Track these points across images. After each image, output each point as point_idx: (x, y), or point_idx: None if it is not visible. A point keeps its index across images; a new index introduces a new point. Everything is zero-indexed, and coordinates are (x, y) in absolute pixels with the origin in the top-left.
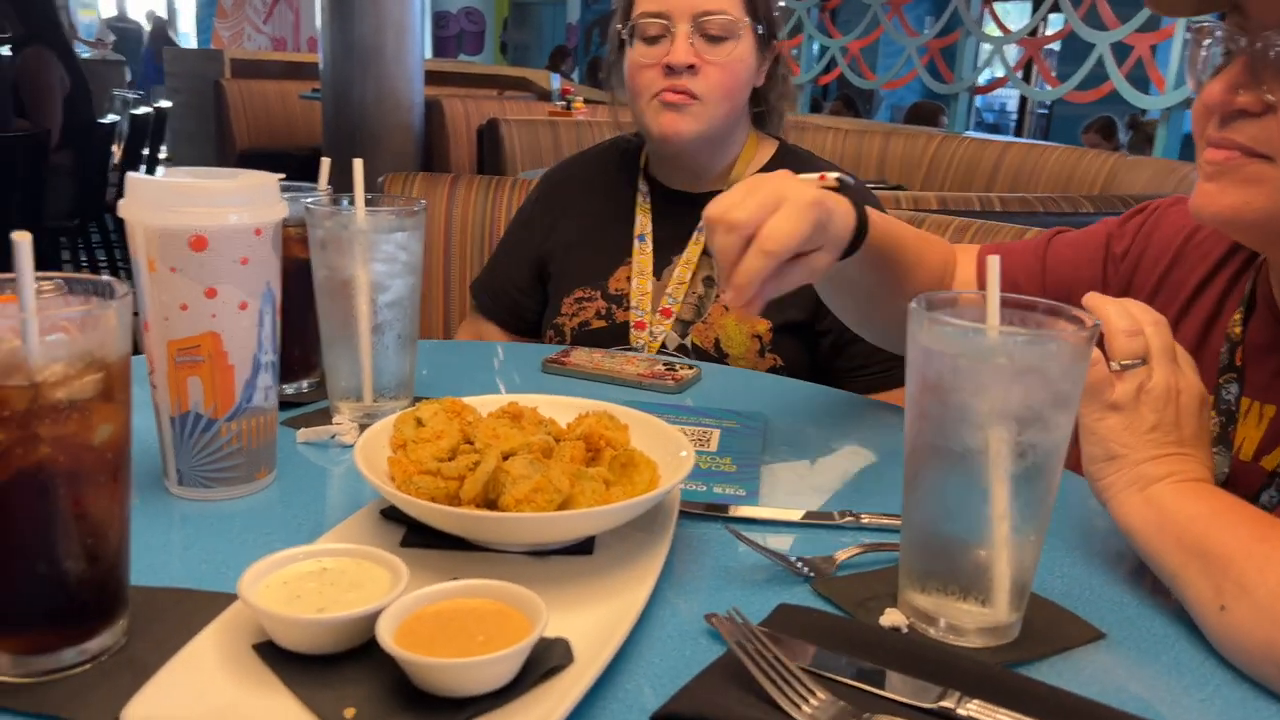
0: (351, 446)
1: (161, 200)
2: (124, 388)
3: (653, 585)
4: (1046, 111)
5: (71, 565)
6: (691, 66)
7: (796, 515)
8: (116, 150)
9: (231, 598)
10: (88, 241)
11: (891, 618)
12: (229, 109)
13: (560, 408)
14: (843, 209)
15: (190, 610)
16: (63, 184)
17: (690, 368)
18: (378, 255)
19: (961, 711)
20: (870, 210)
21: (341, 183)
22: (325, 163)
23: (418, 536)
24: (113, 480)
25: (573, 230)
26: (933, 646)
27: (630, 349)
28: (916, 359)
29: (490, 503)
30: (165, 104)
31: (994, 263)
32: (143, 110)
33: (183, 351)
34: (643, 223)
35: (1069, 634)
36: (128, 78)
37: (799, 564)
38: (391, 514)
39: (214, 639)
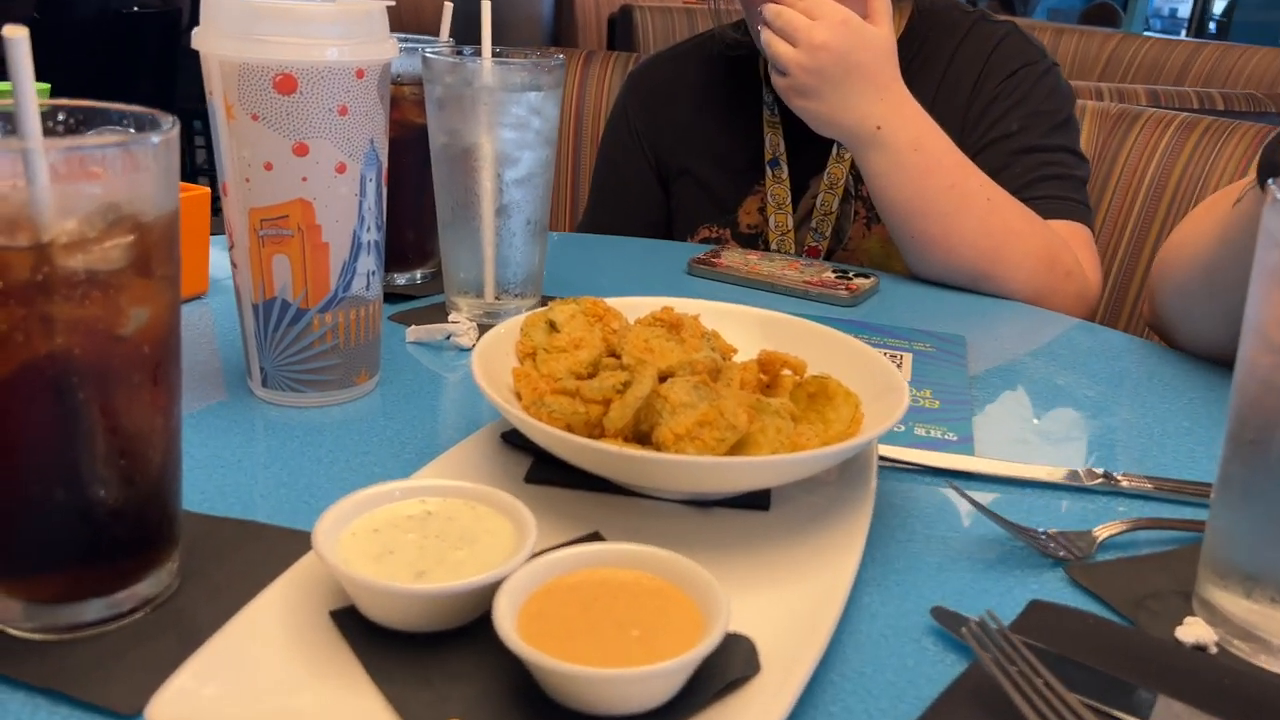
0: (469, 350)
1: (241, 26)
2: (166, 259)
3: (857, 563)
4: (1223, 20)
5: (98, 491)
6: None
7: (1039, 473)
8: None
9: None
10: None
11: (1193, 630)
12: None
13: (725, 318)
14: None
15: (260, 551)
16: (195, 65)
17: (866, 276)
18: (506, 120)
19: None
20: None
21: (466, 34)
22: (448, 9)
23: (547, 470)
24: (152, 382)
25: (688, 150)
26: (1264, 681)
27: (786, 254)
28: (1273, 267)
29: (641, 435)
30: None
31: None
32: None
33: (267, 223)
34: (774, 143)
35: None
36: None
37: (1046, 539)
38: (515, 438)
39: (281, 598)
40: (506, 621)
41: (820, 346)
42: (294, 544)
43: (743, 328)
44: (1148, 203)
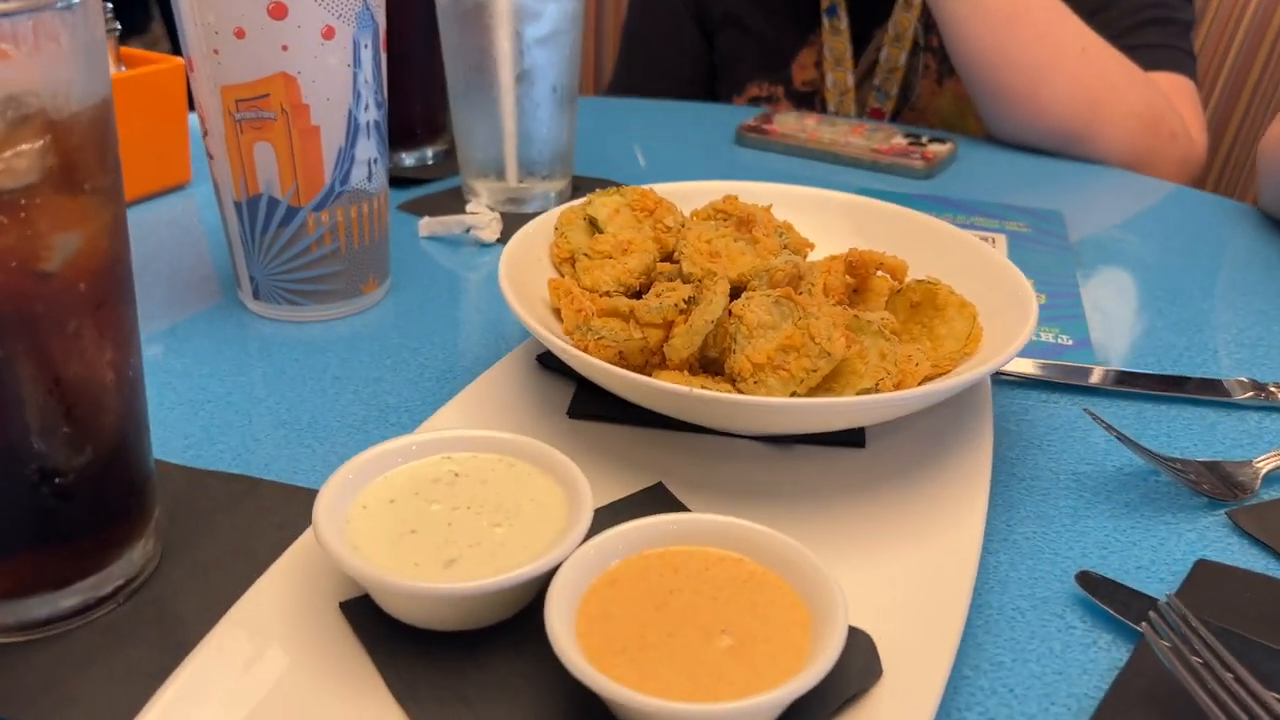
0: (492, 245)
1: None
2: (99, 168)
3: (983, 518)
4: None
5: (40, 465)
6: None
7: (1176, 386)
8: None
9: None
10: None
11: None
12: None
13: (794, 203)
14: None
15: (254, 515)
16: None
17: (942, 141)
18: None
19: None
20: None
21: None
22: None
23: (595, 401)
24: (94, 327)
25: None
26: None
27: (848, 117)
28: None
29: (709, 361)
30: None
31: None
32: None
33: (244, 104)
34: None
35: None
36: None
37: (1199, 474)
38: (554, 361)
39: (281, 587)
40: (565, 637)
41: (912, 239)
42: (294, 505)
43: (814, 215)
44: (1249, 38)
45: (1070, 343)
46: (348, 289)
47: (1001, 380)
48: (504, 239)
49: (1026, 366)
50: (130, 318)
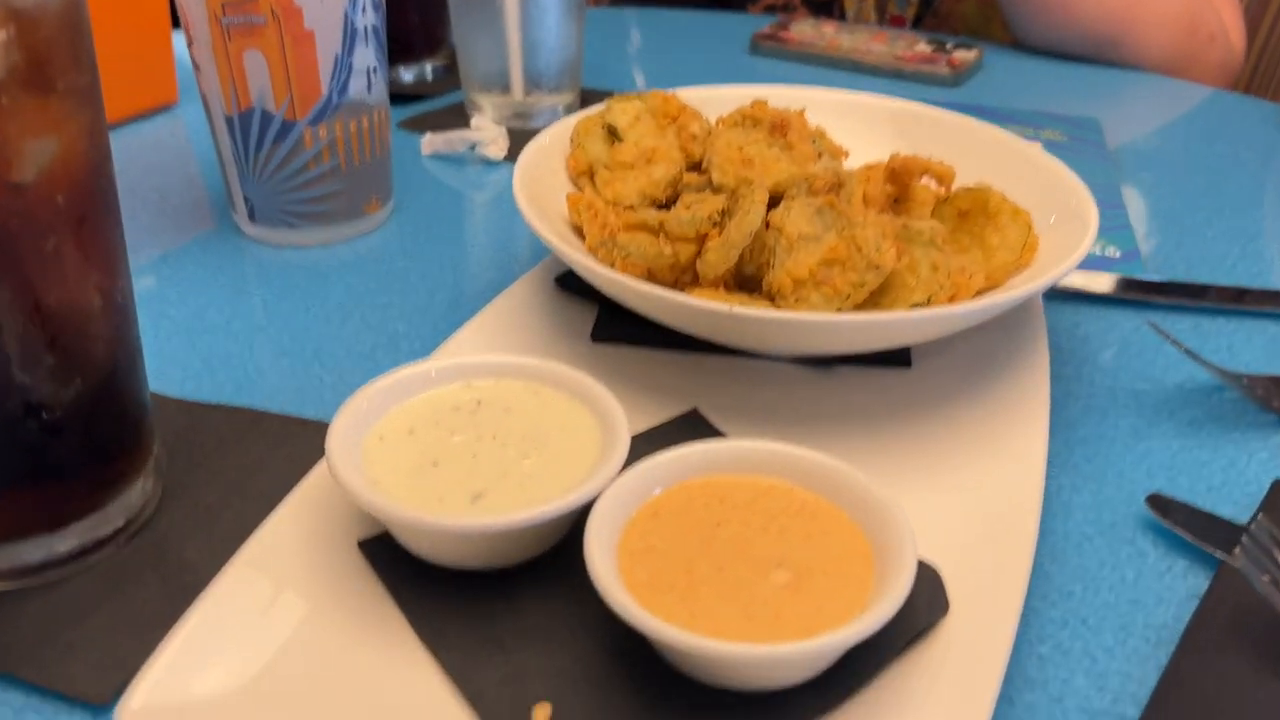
0: (499, 163)
1: None
2: (72, 64)
3: (1045, 440)
4: None
5: (24, 399)
6: None
7: (1233, 296)
8: None
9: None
10: None
11: None
12: None
13: (826, 107)
14: None
15: (261, 451)
16: None
17: (968, 47)
18: None
19: None
20: None
21: None
22: None
23: (620, 323)
24: (76, 244)
25: None
26: None
27: (868, 24)
28: None
29: (744, 278)
30: None
31: None
32: None
33: (231, 8)
34: None
35: None
36: None
37: (1265, 389)
38: (574, 282)
39: (293, 527)
40: (607, 573)
41: (954, 145)
42: (304, 439)
43: (846, 121)
44: None
45: (1118, 255)
46: (349, 210)
47: (1047, 296)
48: (511, 156)
49: (1075, 280)
50: (116, 235)
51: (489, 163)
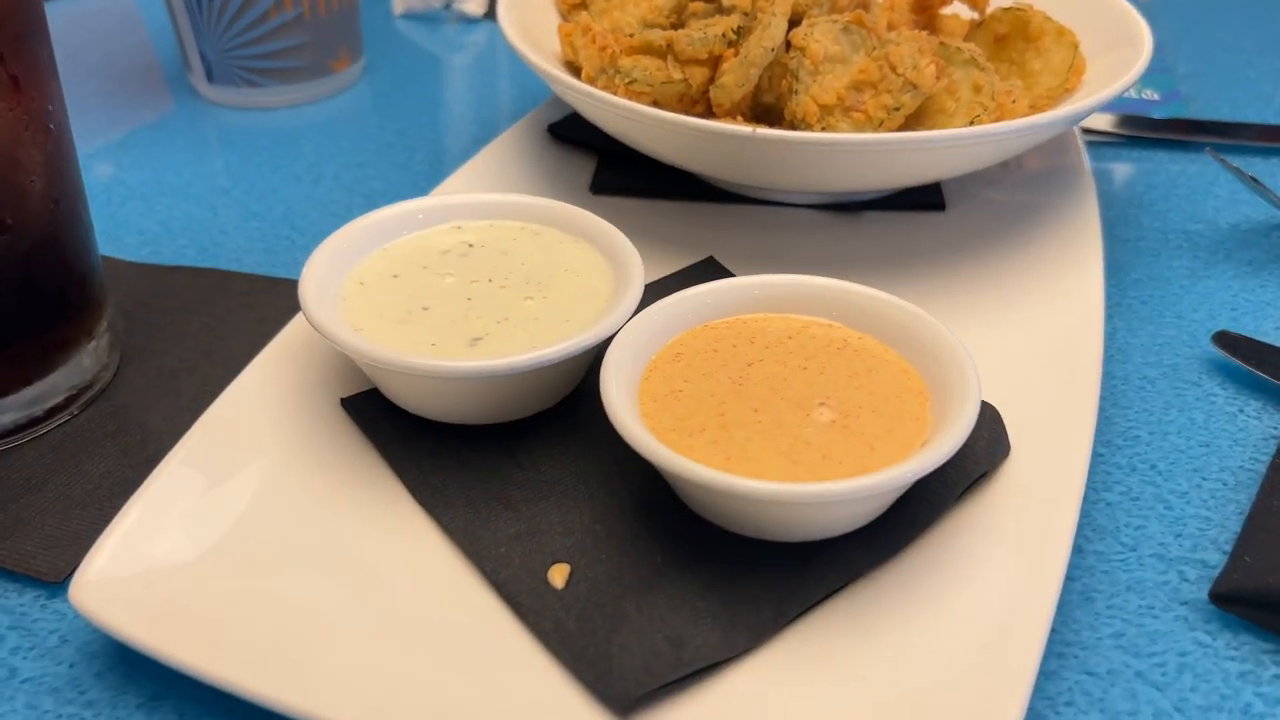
0: (479, 21)
1: None
2: None
3: (1101, 278)
4: None
5: None
6: None
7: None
8: None
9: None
10: None
11: None
12: None
13: None
14: None
15: (227, 312)
16: None
17: None
18: None
19: None
20: None
21: None
22: None
23: (621, 172)
24: (10, 82)
25: None
26: None
27: None
28: None
29: (762, 110)
30: None
31: None
32: None
33: None
34: None
35: None
36: None
37: None
38: (568, 130)
39: (264, 383)
40: (629, 416)
41: None
42: (275, 298)
43: None
44: None
45: (1157, 97)
46: (315, 65)
47: (1086, 140)
48: (491, 13)
49: (1112, 123)
50: (45, 56)
51: (468, 21)
